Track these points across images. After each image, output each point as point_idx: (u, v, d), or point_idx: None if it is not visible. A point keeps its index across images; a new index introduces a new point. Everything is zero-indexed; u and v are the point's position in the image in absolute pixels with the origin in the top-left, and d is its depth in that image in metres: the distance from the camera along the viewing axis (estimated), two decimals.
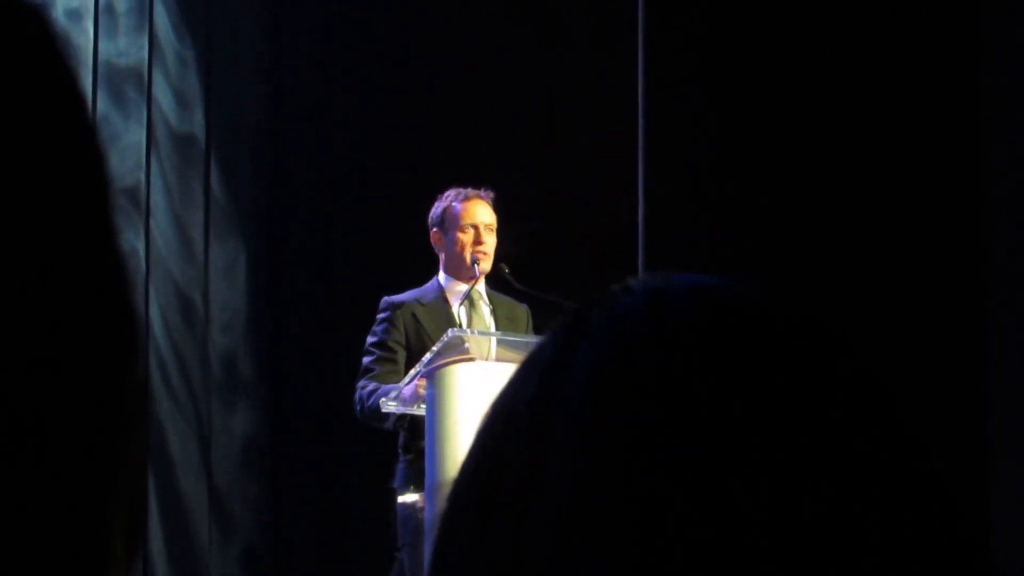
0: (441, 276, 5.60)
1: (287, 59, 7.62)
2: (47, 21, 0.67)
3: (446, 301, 5.54)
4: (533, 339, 5.19)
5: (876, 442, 0.77)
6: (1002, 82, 6.41)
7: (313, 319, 7.54)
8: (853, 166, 6.63)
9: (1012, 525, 5.94)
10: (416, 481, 5.29)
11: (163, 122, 7.26)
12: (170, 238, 7.23)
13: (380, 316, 5.54)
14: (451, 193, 5.60)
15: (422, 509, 5.25)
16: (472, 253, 5.50)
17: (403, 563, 5.36)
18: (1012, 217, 6.35)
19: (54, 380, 0.63)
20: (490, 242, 5.53)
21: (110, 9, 7.11)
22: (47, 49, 0.66)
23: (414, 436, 5.30)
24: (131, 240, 6.97)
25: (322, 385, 7.40)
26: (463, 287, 5.54)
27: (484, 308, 5.57)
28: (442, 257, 5.60)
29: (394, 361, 5.45)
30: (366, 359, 5.50)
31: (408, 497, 5.36)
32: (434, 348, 5.05)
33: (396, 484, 5.43)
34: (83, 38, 6.97)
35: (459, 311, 5.52)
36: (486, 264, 5.51)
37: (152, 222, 7.13)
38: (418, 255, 5.82)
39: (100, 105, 7.03)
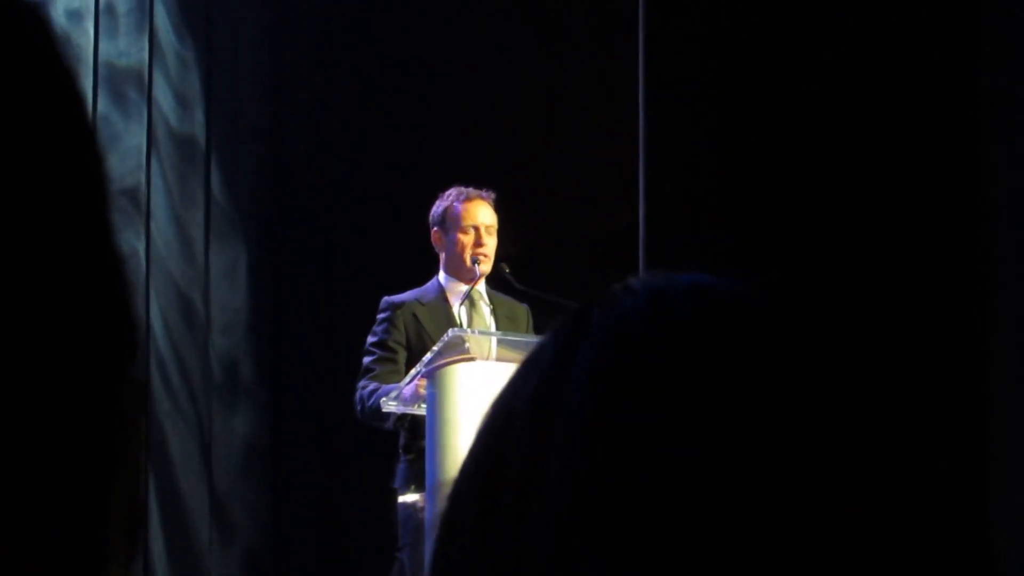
0: (441, 276, 5.60)
1: (287, 60, 7.62)
2: (45, 20, 0.67)
3: (446, 301, 5.54)
4: (533, 339, 5.19)
5: (876, 442, 0.77)
6: (1002, 82, 6.40)
7: (314, 320, 7.54)
8: (853, 166, 6.63)
9: (1012, 525, 5.94)
10: (417, 481, 5.29)
11: (163, 123, 7.25)
12: (170, 239, 7.23)
13: (380, 316, 5.54)
14: (452, 192, 5.59)
15: (423, 509, 5.25)
16: (472, 254, 5.49)
17: (404, 563, 5.36)
18: (1012, 217, 6.35)
19: (51, 380, 0.63)
20: (490, 244, 5.52)
21: (110, 9, 7.10)
22: (45, 48, 0.66)
23: (414, 436, 5.30)
24: (131, 241, 6.96)
25: (323, 387, 7.40)
26: (463, 287, 5.54)
27: (484, 308, 5.56)
28: (442, 257, 5.60)
29: (394, 361, 5.45)
30: (366, 359, 5.50)
31: (409, 497, 5.36)
32: (435, 348, 5.06)
33: (397, 484, 5.43)
34: (84, 38, 6.97)
35: (459, 311, 5.52)
36: (486, 266, 5.51)
37: (152, 223, 7.13)
38: (418, 255, 5.82)
39: (100, 106, 7.03)
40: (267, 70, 7.58)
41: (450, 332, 5.07)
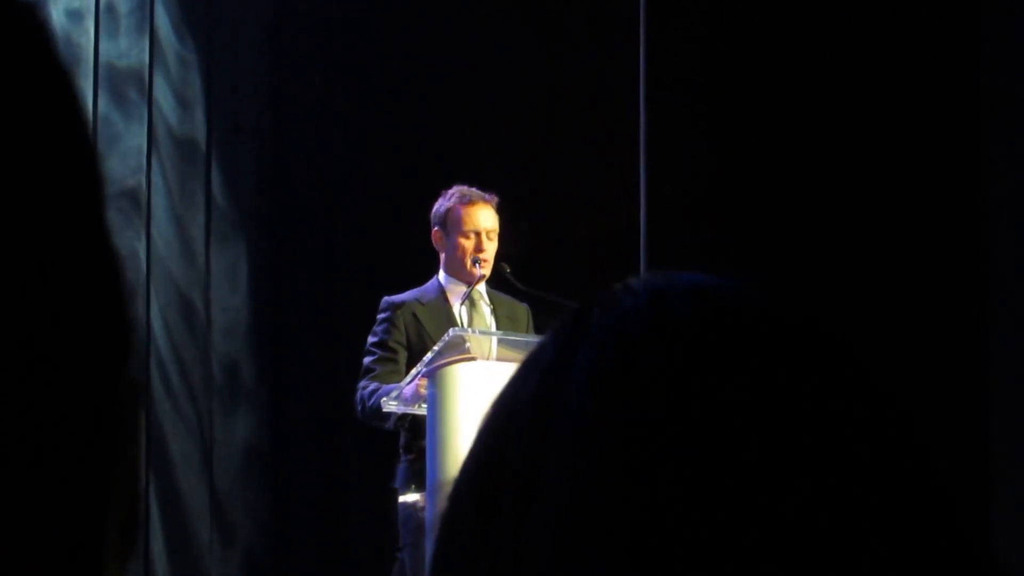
0: (441, 275, 5.59)
1: (288, 60, 7.62)
2: (42, 20, 0.67)
3: (446, 300, 5.54)
4: (534, 339, 5.19)
5: (876, 442, 0.77)
6: (1002, 82, 6.41)
7: (314, 321, 7.54)
8: (854, 167, 6.63)
9: (1013, 525, 5.94)
10: (417, 481, 5.29)
11: (164, 124, 7.25)
12: (171, 240, 7.22)
13: (380, 316, 5.54)
14: (455, 193, 5.57)
15: (423, 509, 5.25)
16: (472, 259, 5.49)
17: (404, 563, 5.36)
18: (1012, 217, 6.35)
19: (49, 380, 0.63)
20: (491, 248, 5.52)
21: (111, 9, 7.10)
22: (41, 48, 0.66)
23: (415, 436, 5.30)
24: (132, 242, 6.96)
25: (323, 387, 7.40)
26: (463, 287, 5.54)
27: (484, 308, 5.56)
28: (442, 257, 5.59)
29: (395, 361, 5.45)
30: (367, 359, 5.50)
31: (409, 497, 5.36)
32: (435, 348, 5.06)
33: (397, 484, 5.43)
34: (84, 38, 6.97)
35: (460, 311, 5.52)
36: (486, 270, 5.51)
37: (153, 224, 7.13)
38: (418, 255, 5.82)
39: (101, 106, 7.03)
40: (267, 71, 7.58)
41: (451, 332, 5.07)
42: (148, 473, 6.93)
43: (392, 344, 5.47)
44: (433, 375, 5.02)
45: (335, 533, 7.40)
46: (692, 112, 6.85)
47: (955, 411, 6.19)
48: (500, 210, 5.58)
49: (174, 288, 7.23)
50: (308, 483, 7.43)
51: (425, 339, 5.37)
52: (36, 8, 0.67)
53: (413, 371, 5.14)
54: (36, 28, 0.67)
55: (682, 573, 0.72)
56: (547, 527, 0.74)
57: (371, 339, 5.54)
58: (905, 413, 0.78)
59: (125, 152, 7.06)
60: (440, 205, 5.58)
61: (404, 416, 5.31)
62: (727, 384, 0.75)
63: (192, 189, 7.32)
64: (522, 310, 5.65)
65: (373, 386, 5.36)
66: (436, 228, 5.58)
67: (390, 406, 5.23)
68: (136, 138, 7.11)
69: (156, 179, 7.18)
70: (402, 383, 5.22)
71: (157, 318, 7.13)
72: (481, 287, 5.57)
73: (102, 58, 7.05)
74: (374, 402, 5.29)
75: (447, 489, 0.80)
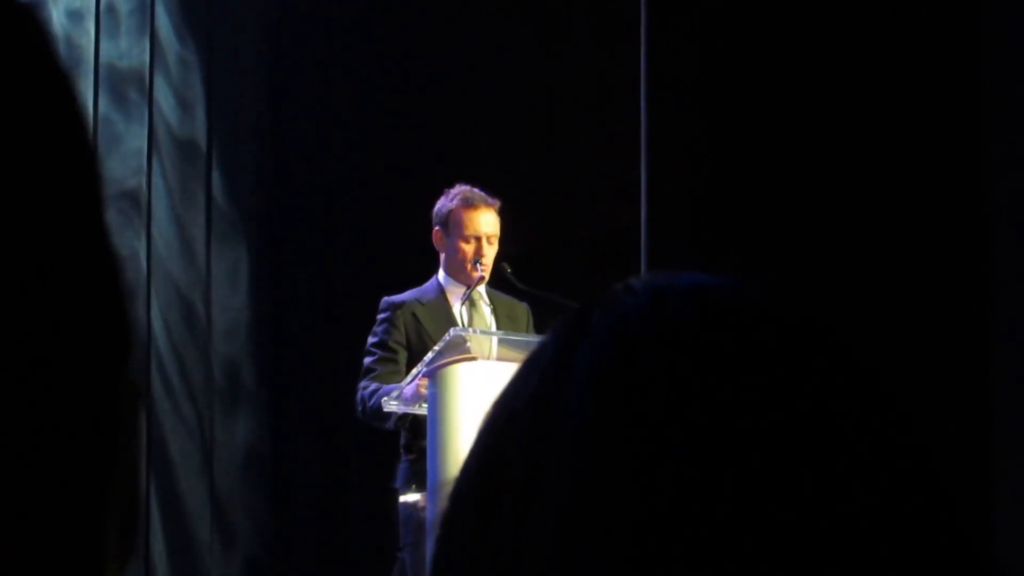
0: (440, 275, 5.59)
1: (288, 61, 7.62)
2: (40, 21, 0.67)
3: (446, 300, 5.54)
4: (534, 338, 5.19)
5: (877, 442, 0.76)
6: (1002, 82, 6.40)
7: (315, 323, 7.54)
8: (854, 166, 6.63)
9: (1014, 525, 5.94)
10: (418, 481, 5.29)
11: (164, 125, 7.25)
12: (171, 241, 7.22)
13: (380, 316, 5.54)
14: (458, 193, 5.55)
15: (424, 509, 5.25)
16: (472, 262, 5.48)
17: (405, 563, 5.36)
18: (1012, 217, 6.35)
19: (48, 380, 0.63)
20: (491, 253, 5.51)
21: (111, 10, 7.10)
22: (40, 49, 0.66)
23: (415, 436, 5.30)
24: (132, 243, 6.96)
25: (324, 388, 7.40)
26: (463, 287, 5.54)
27: (485, 307, 5.56)
28: (442, 257, 5.59)
29: (395, 361, 5.45)
30: (367, 359, 5.50)
31: (410, 497, 5.36)
32: (436, 347, 5.05)
33: (398, 484, 5.43)
34: (84, 39, 6.97)
35: (460, 311, 5.52)
36: (486, 273, 5.51)
37: (153, 225, 7.13)
38: (418, 256, 5.82)
39: (101, 107, 7.03)
40: (268, 71, 7.58)
41: (451, 332, 5.07)
42: (148, 474, 6.93)
43: (392, 344, 5.47)
44: (434, 375, 5.02)
45: (335, 533, 7.40)
46: (693, 111, 6.85)
47: (956, 411, 6.18)
48: (501, 210, 5.56)
49: (174, 289, 7.22)
50: (308, 484, 7.43)
51: (425, 339, 5.37)
52: (35, 9, 0.67)
53: (414, 371, 5.14)
54: (35, 29, 0.67)
55: (682, 573, 0.72)
56: (547, 527, 0.74)
57: (371, 339, 5.54)
58: (905, 413, 0.78)
59: (126, 153, 7.06)
60: (442, 205, 5.56)
61: (405, 416, 5.31)
62: (727, 384, 0.75)
63: (192, 190, 7.32)
64: (522, 309, 5.64)
65: (373, 386, 5.36)
66: (437, 228, 5.57)
67: (391, 406, 5.23)
68: (136, 139, 7.11)
69: (156, 180, 7.18)
70: (403, 383, 5.22)
71: (157, 319, 7.13)
72: (481, 287, 5.57)
73: (102, 59, 7.05)
74: (375, 402, 5.29)
75: (448, 489, 0.80)
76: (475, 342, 5.08)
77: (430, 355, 5.06)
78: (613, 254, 6.86)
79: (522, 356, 0.82)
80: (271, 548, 7.35)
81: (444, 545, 0.79)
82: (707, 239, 6.65)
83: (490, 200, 5.54)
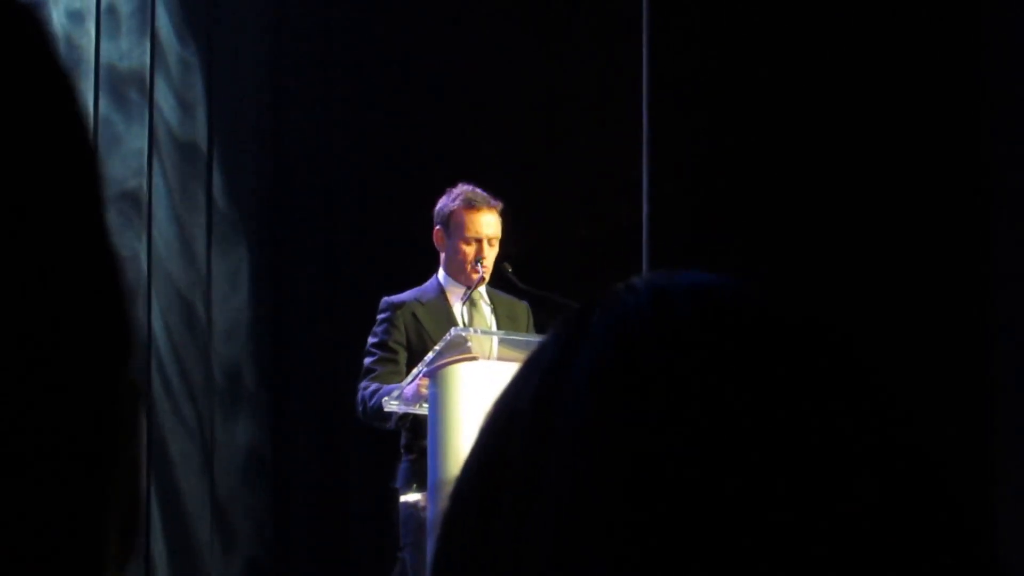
0: (440, 274, 5.59)
1: (289, 63, 7.62)
2: (41, 20, 0.67)
3: (446, 300, 5.54)
4: (535, 338, 5.19)
5: (878, 442, 0.76)
6: (1003, 82, 6.40)
7: (315, 324, 7.53)
8: (856, 166, 6.63)
9: (1016, 525, 5.94)
10: (418, 480, 5.29)
11: (165, 126, 7.25)
12: (172, 242, 7.22)
13: (380, 316, 5.54)
14: (460, 194, 5.54)
15: (424, 508, 5.25)
16: (472, 263, 5.48)
17: (405, 563, 5.36)
18: (1013, 217, 6.35)
19: (48, 380, 0.63)
20: (491, 255, 5.51)
21: (112, 11, 7.09)
22: (40, 48, 0.66)
23: (416, 435, 5.30)
24: (133, 244, 6.96)
25: (324, 390, 7.39)
26: (463, 287, 5.53)
27: (485, 307, 5.56)
28: (442, 256, 5.59)
29: (395, 361, 5.45)
30: (367, 360, 5.50)
31: (410, 497, 5.36)
32: (436, 347, 5.05)
33: (398, 484, 5.43)
34: (85, 39, 6.97)
35: (460, 310, 5.51)
36: (486, 275, 5.51)
37: (154, 226, 7.12)
38: (419, 258, 5.82)
39: (102, 108, 7.02)
40: (268, 73, 7.58)
41: (452, 331, 5.07)
42: (149, 475, 6.93)
43: (392, 344, 5.47)
44: (434, 375, 5.02)
45: (336, 533, 7.40)
46: (694, 111, 6.85)
47: (958, 410, 6.18)
48: (502, 210, 5.56)
49: (175, 290, 7.22)
50: (308, 484, 7.43)
51: (425, 339, 5.37)
52: (36, 9, 0.67)
53: (414, 371, 5.15)
54: (36, 29, 0.67)
55: (683, 573, 0.72)
56: (547, 527, 0.74)
57: (371, 339, 5.54)
58: (906, 412, 0.78)
59: (126, 154, 7.06)
60: (444, 204, 5.55)
61: (405, 416, 5.31)
62: (728, 384, 0.75)
63: (193, 191, 7.31)
64: (522, 308, 5.64)
65: (374, 386, 5.36)
66: (438, 227, 5.57)
67: (391, 406, 5.23)
68: (137, 140, 7.11)
69: (157, 181, 7.17)
70: (403, 383, 5.22)
71: (158, 320, 7.12)
72: (481, 287, 5.56)
73: (103, 60, 7.04)
74: (375, 402, 5.29)
75: (448, 489, 0.80)
76: (476, 342, 5.08)
77: (431, 355, 5.06)
78: (614, 254, 6.86)
79: (523, 356, 0.82)
80: (271, 548, 7.34)
81: (444, 545, 0.79)
82: (708, 239, 6.65)
83: (492, 202, 5.53)
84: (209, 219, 7.33)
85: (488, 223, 5.49)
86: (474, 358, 5.01)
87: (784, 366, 0.77)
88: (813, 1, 6.77)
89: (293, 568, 7.37)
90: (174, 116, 7.29)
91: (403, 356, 5.45)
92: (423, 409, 5.13)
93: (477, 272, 5.47)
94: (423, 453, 5.14)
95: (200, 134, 7.35)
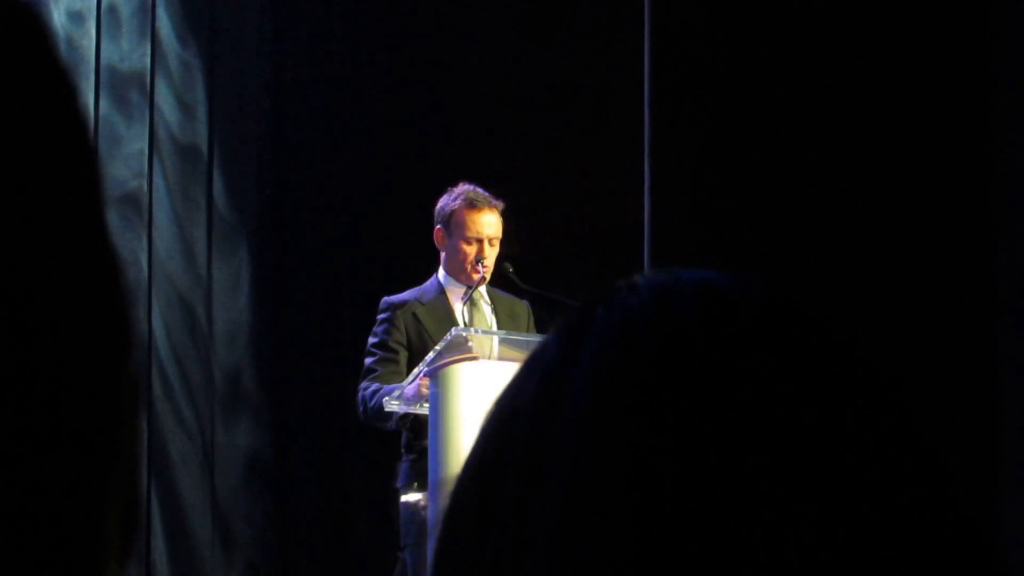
0: (440, 274, 5.58)
1: (289, 65, 7.62)
2: (41, 20, 0.66)
3: (446, 299, 5.54)
4: (536, 337, 5.19)
5: (885, 439, 0.76)
6: (1011, 83, 6.40)
7: (316, 329, 7.53)
8: (861, 164, 6.63)
9: (1021, 524, 5.93)
10: (419, 480, 5.29)
11: (165, 128, 7.25)
12: (172, 245, 7.21)
13: (380, 317, 5.54)
14: (462, 193, 5.53)
15: (425, 508, 5.25)
16: (473, 263, 5.48)
17: (406, 562, 5.36)
18: (1020, 214, 6.35)
19: (48, 378, 0.63)
20: (492, 255, 5.51)
21: (113, 12, 7.09)
22: (40, 47, 0.66)
23: (417, 435, 5.30)
24: (133, 247, 6.95)
25: (325, 393, 7.39)
26: (463, 287, 5.53)
27: (485, 307, 5.56)
28: (443, 255, 5.59)
29: (396, 361, 5.45)
30: (368, 360, 5.50)
31: (411, 496, 5.36)
32: (437, 347, 5.05)
33: (399, 483, 5.43)
34: (86, 40, 6.97)
35: (461, 310, 5.51)
36: (487, 275, 5.51)
37: (154, 229, 7.12)
38: (420, 260, 5.82)
39: (102, 109, 7.02)
40: (269, 74, 7.58)
41: (453, 331, 5.07)
42: (150, 477, 6.93)
43: (393, 344, 5.47)
44: (435, 374, 5.02)
45: (336, 534, 7.41)
46: (697, 108, 6.84)
47: (965, 408, 6.18)
48: (503, 210, 5.55)
49: (175, 294, 7.22)
50: (309, 485, 7.43)
51: (425, 339, 5.37)
52: (36, 9, 0.67)
53: (415, 370, 5.15)
54: (36, 28, 0.66)
55: (684, 571, 0.72)
56: (549, 525, 0.74)
57: (371, 340, 5.54)
58: (912, 410, 0.78)
59: (126, 155, 7.06)
60: (445, 203, 5.55)
61: (406, 416, 5.31)
62: (731, 382, 0.75)
63: (193, 193, 7.31)
64: (522, 307, 5.64)
65: (375, 386, 5.36)
66: (439, 226, 5.56)
67: (392, 406, 5.23)
68: (137, 141, 7.11)
69: (158, 182, 7.17)
70: (404, 383, 5.22)
71: (158, 323, 7.12)
72: (481, 287, 5.56)
73: (103, 61, 7.04)
74: (376, 402, 5.29)
75: (449, 488, 0.80)
76: (477, 342, 5.08)
77: (431, 355, 5.06)
78: (617, 252, 6.86)
79: (524, 356, 0.81)
80: (272, 549, 7.35)
81: (445, 544, 0.79)
82: (711, 236, 6.65)
83: (494, 202, 5.52)
84: (210, 221, 7.33)
85: (489, 223, 5.48)
86: (475, 358, 5.01)
87: (788, 364, 0.76)
88: None
89: (294, 568, 7.38)
90: (175, 117, 7.29)
91: (404, 356, 5.45)
92: (424, 409, 5.13)
93: (478, 272, 5.47)
94: (424, 453, 5.15)
95: (201, 136, 7.35)
